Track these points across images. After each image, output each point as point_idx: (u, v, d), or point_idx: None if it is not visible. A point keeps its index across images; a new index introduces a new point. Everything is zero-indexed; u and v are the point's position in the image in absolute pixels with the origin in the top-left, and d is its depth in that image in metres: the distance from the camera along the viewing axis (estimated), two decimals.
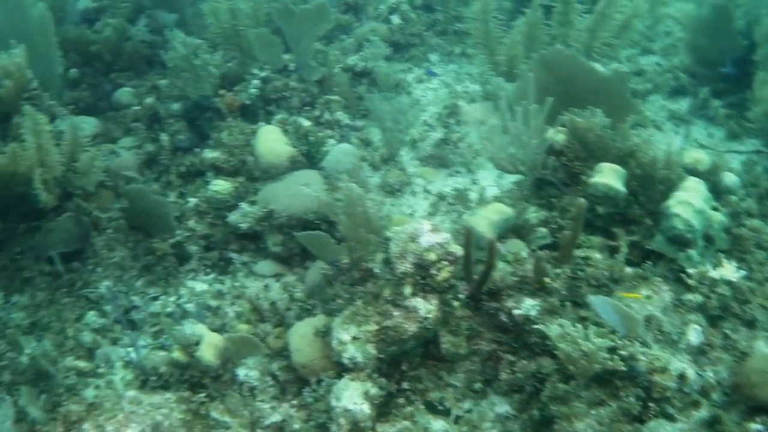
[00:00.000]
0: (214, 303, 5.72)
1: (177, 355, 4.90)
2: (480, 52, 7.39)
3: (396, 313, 4.37)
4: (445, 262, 4.37)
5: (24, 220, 6.14)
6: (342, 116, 7.15)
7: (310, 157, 6.41)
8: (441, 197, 6.58)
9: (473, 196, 6.50)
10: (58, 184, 5.94)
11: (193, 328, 5.04)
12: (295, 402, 4.78)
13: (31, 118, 5.64)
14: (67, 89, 7.52)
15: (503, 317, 4.39)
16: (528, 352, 4.32)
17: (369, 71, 7.78)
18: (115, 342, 5.57)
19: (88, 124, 7.04)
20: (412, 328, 4.32)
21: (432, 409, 4.40)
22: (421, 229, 4.44)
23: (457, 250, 4.40)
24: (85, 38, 7.70)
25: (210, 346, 4.90)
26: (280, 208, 5.82)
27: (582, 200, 4.34)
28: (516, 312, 4.33)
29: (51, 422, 4.63)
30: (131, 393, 4.63)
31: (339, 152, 6.41)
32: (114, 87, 7.68)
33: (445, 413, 4.38)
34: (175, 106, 7.03)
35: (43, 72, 6.77)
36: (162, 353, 5.17)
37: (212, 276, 6.00)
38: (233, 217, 5.98)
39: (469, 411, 4.38)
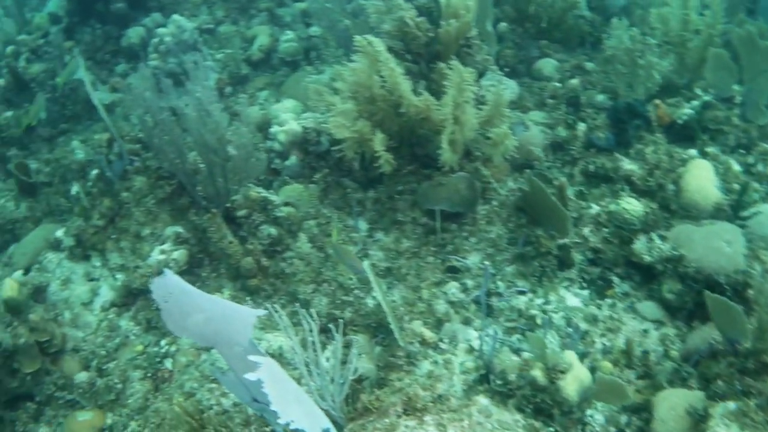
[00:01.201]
0: (583, 326, 5.19)
1: (537, 373, 4.46)
2: None
3: None
4: None
5: (413, 161, 5.96)
6: None
7: (735, 209, 5.63)
8: None
9: None
10: (464, 144, 5.67)
11: (562, 353, 4.59)
12: None
13: (458, 73, 5.33)
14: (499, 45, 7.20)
15: None
16: None
17: None
18: (466, 322, 5.24)
19: (510, 89, 6.61)
20: None
21: None
22: None
23: None
24: None
25: (575, 380, 4.42)
26: (692, 256, 5.12)
27: None
28: None
29: (387, 391, 4.34)
30: (483, 401, 4.25)
31: (765, 216, 5.60)
32: (540, 54, 7.27)
33: None
34: (600, 98, 6.48)
35: (478, 21, 6.43)
36: (514, 357, 4.79)
37: (587, 293, 5.45)
38: (639, 245, 5.36)
39: None
